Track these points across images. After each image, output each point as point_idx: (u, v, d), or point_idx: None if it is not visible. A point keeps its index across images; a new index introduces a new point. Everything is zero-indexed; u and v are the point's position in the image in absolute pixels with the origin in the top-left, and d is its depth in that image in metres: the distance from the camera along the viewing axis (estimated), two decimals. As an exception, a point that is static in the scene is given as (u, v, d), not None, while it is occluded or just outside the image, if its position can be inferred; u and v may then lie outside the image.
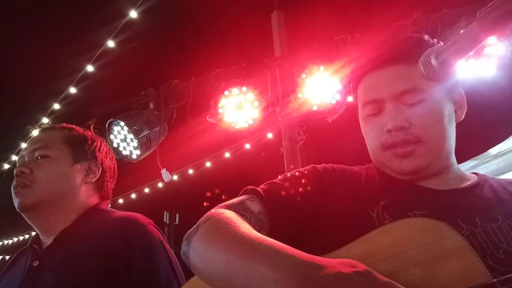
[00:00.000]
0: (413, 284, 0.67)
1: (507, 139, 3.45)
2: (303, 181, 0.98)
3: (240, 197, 0.95)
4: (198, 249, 0.79)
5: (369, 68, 1.00)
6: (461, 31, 0.63)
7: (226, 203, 0.92)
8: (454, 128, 0.99)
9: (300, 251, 0.67)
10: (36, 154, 1.30)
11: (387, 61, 0.97)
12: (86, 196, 1.34)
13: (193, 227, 0.86)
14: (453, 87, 0.99)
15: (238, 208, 0.89)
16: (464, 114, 1.02)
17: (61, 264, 1.15)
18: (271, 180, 1.00)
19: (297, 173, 1.01)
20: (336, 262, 0.63)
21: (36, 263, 1.19)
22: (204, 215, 0.87)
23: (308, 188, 0.96)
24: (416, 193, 0.93)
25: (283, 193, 0.94)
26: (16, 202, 1.25)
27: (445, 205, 0.88)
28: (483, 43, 0.62)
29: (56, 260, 1.18)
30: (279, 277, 0.62)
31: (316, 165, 1.04)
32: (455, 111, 0.99)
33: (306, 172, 1.01)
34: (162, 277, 1.15)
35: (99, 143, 1.45)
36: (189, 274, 0.87)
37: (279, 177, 1.02)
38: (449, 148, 0.96)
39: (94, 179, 1.37)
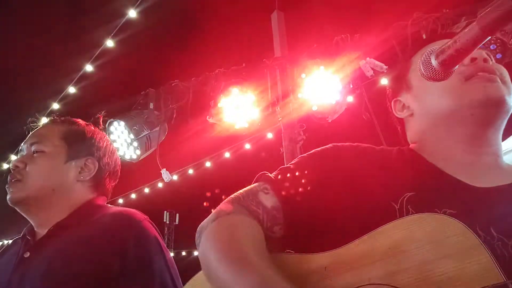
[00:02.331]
0: (420, 283, 0.65)
1: (507, 139, 3.44)
2: (321, 165, 0.92)
3: (254, 186, 0.92)
4: (203, 251, 0.82)
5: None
6: (461, 31, 0.63)
7: (239, 194, 0.89)
8: None
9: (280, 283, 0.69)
10: (33, 148, 1.30)
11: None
12: (81, 193, 1.33)
13: (206, 220, 0.87)
14: None
15: (250, 203, 0.87)
16: None
17: (52, 256, 1.15)
18: (287, 165, 0.95)
19: (315, 156, 0.95)
20: None
21: (27, 255, 1.19)
22: (215, 210, 0.87)
23: (326, 174, 0.89)
24: (450, 188, 0.85)
25: (299, 182, 0.90)
26: (7, 196, 1.26)
27: (479, 207, 0.80)
28: (483, 43, 0.62)
29: (48, 252, 1.17)
30: None
31: (339, 145, 0.96)
32: None
33: (326, 154, 0.95)
34: (156, 273, 1.15)
35: (98, 140, 1.42)
36: (183, 274, 0.89)
37: (296, 159, 0.97)
38: (509, 115, 0.92)
39: (88, 177, 1.34)
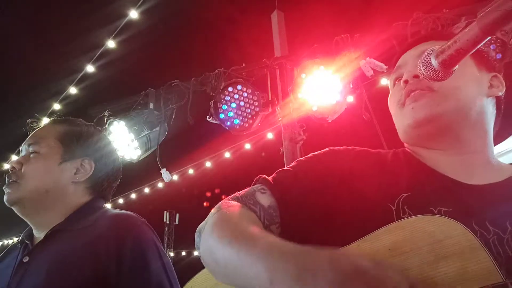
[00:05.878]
0: (422, 282, 0.65)
1: (507, 139, 3.44)
2: (318, 168, 0.93)
3: (252, 187, 0.93)
4: (206, 240, 0.80)
5: (400, 52, 1.06)
6: (461, 31, 0.62)
7: (238, 194, 0.91)
8: (489, 103, 0.94)
9: (297, 246, 0.65)
10: (29, 149, 1.31)
11: (416, 42, 1.03)
12: (77, 195, 1.32)
13: (206, 219, 0.86)
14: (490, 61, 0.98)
15: (248, 201, 0.88)
16: (500, 92, 0.96)
17: (51, 261, 1.15)
18: (284, 168, 0.97)
19: (313, 159, 0.97)
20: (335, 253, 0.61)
21: (26, 259, 1.18)
22: (215, 207, 0.87)
23: (323, 177, 0.91)
24: (444, 187, 0.86)
25: (296, 184, 0.91)
26: (5, 197, 1.27)
27: (474, 204, 0.81)
28: (483, 43, 0.62)
29: (46, 256, 1.17)
30: (273, 277, 0.61)
31: (335, 149, 0.99)
32: (490, 86, 0.95)
33: (322, 158, 0.97)
34: (153, 276, 1.14)
35: (96, 140, 1.40)
36: (182, 275, 0.88)
37: (294, 162, 0.99)
38: (475, 114, 0.90)
39: (84, 178, 1.33)
